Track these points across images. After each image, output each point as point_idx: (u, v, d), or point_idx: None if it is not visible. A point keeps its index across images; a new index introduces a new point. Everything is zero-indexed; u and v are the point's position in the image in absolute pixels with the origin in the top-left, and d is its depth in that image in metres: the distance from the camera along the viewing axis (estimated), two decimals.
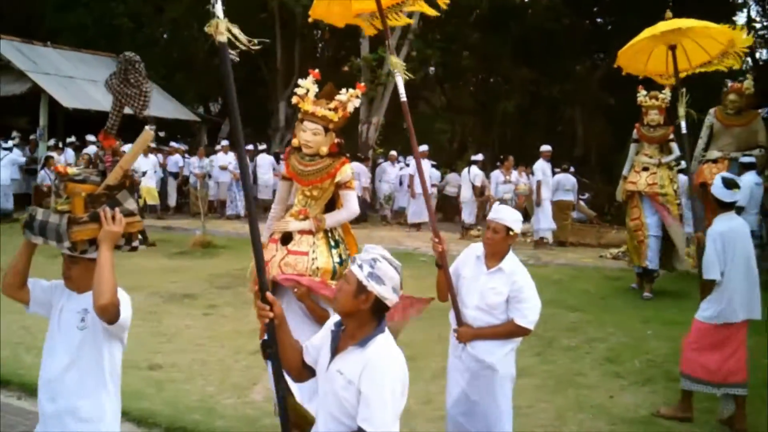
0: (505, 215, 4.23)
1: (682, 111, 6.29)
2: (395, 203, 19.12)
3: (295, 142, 4.81)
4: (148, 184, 17.40)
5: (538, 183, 14.09)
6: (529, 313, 4.19)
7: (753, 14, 27.83)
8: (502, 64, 24.39)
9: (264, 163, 19.64)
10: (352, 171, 4.90)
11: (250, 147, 20.38)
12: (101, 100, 20.32)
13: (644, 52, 6.66)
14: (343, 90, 4.93)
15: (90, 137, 18.01)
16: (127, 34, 25.83)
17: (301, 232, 4.65)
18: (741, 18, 27.61)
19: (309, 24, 25.29)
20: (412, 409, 5.29)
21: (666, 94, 8.85)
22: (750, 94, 9.91)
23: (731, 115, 9.85)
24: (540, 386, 5.72)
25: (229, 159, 19.16)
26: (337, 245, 4.75)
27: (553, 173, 14.73)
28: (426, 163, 17.60)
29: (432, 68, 26.30)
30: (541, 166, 14.19)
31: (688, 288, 9.41)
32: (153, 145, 19.22)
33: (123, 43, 25.48)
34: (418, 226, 17.22)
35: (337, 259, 4.65)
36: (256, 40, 3.50)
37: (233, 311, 8.26)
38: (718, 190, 5.11)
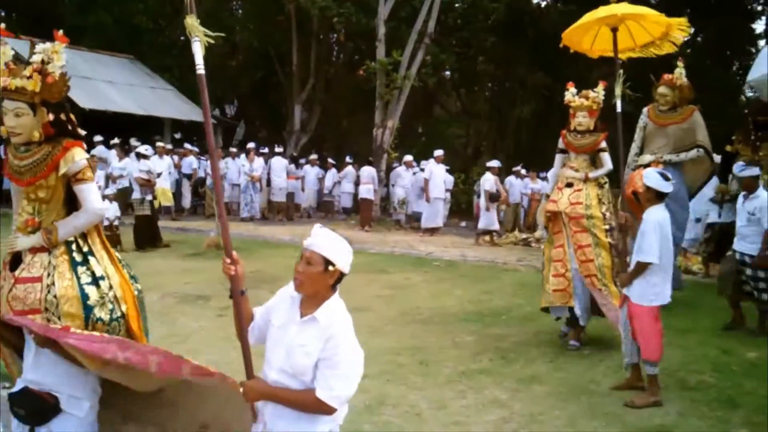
0: (325, 242, 3.11)
1: (618, 90, 6.33)
2: (409, 207, 19.12)
3: (2, 130, 3.59)
4: (163, 186, 17.49)
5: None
6: (336, 384, 2.97)
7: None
8: (518, 69, 24.39)
9: (278, 166, 19.75)
10: (91, 157, 3.85)
11: (265, 150, 20.53)
12: (118, 101, 20.48)
13: (590, 33, 6.84)
14: (43, 46, 3.78)
15: (97, 137, 18.09)
16: (147, 36, 26.03)
17: (32, 250, 3.53)
18: (759, 26, 27.47)
19: (325, 27, 25.53)
20: (424, 414, 5.27)
21: (599, 93, 7.14)
22: (684, 86, 8.62)
23: (664, 112, 8.72)
24: (552, 393, 5.69)
25: (248, 163, 19.24)
26: (85, 261, 3.61)
27: None
28: (441, 168, 17.64)
29: (448, 73, 26.30)
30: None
31: (700, 297, 9.37)
32: (168, 146, 19.32)
33: (142, 45, 25.71)
34: (431, 231, 17.21)
35: (86, 280, 3.54)
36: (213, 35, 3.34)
37: None
38: (656, 182, 5.47)
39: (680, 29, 6.76)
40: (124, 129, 19.76)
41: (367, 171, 19.24)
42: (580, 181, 7.10)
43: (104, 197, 13.74)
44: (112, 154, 17.30)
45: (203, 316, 8.12)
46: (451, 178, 19.22)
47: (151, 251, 12.79)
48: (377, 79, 20.38)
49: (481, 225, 15.89)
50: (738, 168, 7.87)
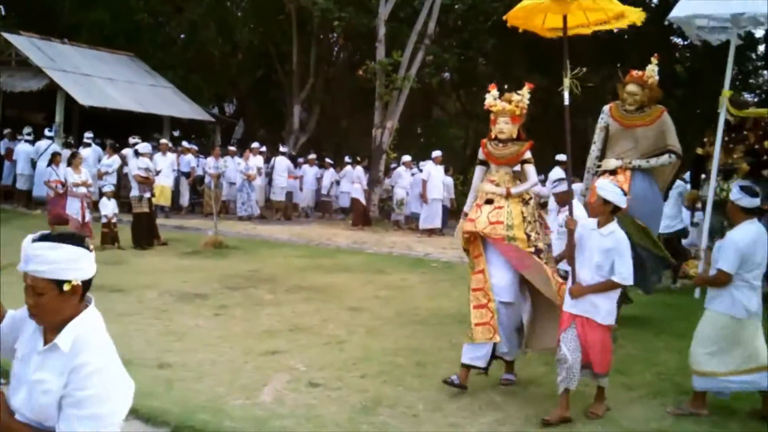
0: (43, 260, 2.42)
1: (566, 81, 5.88)
2: (408, 208, 19.15)
3: None
4: (164, 183, 17.50)
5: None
6: (79, 428, 2.39)
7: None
8: (516, 71, 24.40)
9: (281, 165, 19.86)
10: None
11: (263, 148, 20.62)
12: (118, 98, 20.46)
13: (539, 14, 6.21)
14: None
15: (88, 135, 18.05)
16: (146, 33, 25.99)
17: None
18: (759, 31, 27.44)
19: (325, 27, 25.54)
20: (421, 415, 5.28)
21: (524, 95, 6.26)
22: (654, 85, 7.70)
23: (631, 113, 7.72)
24: (549, 396, 5.69)
25: (251, 161, 19.33)
26: None
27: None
28: (439, 169, 17.68)
29: (448, 74, 26.31)
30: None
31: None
32: (169, 144, 19.34)
33: (142, 42, 25.67)
34: (429, 232, 17.22)
35: None
36: None
37: (243, 312, 8.27)
38: (614, 195, 5.25)
39: (635, 14, 6.17)
40: (123, 126, 19.76)
41: (354, 170, 19.56)
42: (501, 197, 6.14)
43: (101, 194, 13.75)
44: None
45: (200, 314, 8.11)
46: (450, 182, 19.18)
47: (149, 249, 12.78)
48: (377, 80, 20.40)
49: None
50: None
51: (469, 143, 30.80)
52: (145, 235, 13.08)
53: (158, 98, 22.41)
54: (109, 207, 12.92)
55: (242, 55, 29.49)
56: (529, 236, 5.99)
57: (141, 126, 20.88)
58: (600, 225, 5.30)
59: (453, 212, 18.09)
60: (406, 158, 19.67)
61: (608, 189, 5.27)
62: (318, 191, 22.01)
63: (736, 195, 5.39)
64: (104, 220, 12.84)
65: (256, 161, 19.49)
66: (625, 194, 5.36)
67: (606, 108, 8.00)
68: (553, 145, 16.16)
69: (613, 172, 7.65)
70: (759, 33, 27.18)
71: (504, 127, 6.23)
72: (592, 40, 24.31)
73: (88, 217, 12.65)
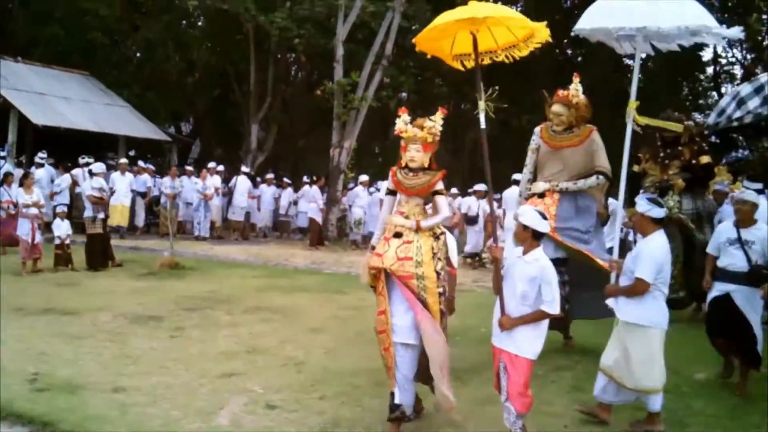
0: None
1: (481, 104, 5.64)
2: (365, 228, 19.18)
3: None
4: (123, 203, 17.28)
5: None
6: None
7: (719, 50, 28.46)
8: (474, 92, 24.67)
9: (242, 186, 19.79)
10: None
11: (221, 168, 20.52)
12: (72, 117, 20.17)
13: (448, 36, 5.92)
14: None
15: (41, 155, 17.71)
16: (101, 51, 25.72)
17: None
18: (707, 54, 28.24)
19: (283, 47, 25.53)
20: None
21: (436, 122, 5.88)
22: (581, 104, 7.47)
23: (559, 133, 7.52)
24: None
25: (208, 181, 19.25)
26: None
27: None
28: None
29: (405, 95, 26.51)
30: (513, 194, 14.33)
31: None
32: (126, 162, 19.13)
33: (96, 60, 25.38)
34: None
35: None
36: None
37: (200, 334, 8.18)
38: (533, 220, 4.98)
39: (542, 33, 5.90)
40: (77, 146, 19.47)
41: (309, 190, 19.66)
42: (411, 230, 5.62)
43: (55, 215, 13.51)
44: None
45: (155, 337, 7.99)
46: None
47: (103, 270, 12.57)
48: (335, 100, 20.46)
49: (468, 249, 16.22)
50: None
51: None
52: (99, 256, 12.87)
53: (114, 117, 22.15)
54: (62, 228, 12.70)
55: (199, 74, 29.35)
56: (438, 274, 5.53)
57: (96, 145, 20.63)
58: (524, 252, 5.05)
59: None
60: (364, 178, 19.73)
61: (527, 214, 5.07)
62: (276, 211, 21.92)
63: (645, 207, 5.47)
64: (57, 241, 12.61)
65: (214, 181, 19.38)
66: (545, 218, 5.10)
67: (537, 129, 7.81)
68: (512, 164, 16.41)
69: (541, 196, 7.49)
70: (707, 55, 28.01)
71: (415, 155, 5.81)
72: (548, 62, 24.87)
73: (38, 238, 12.41)
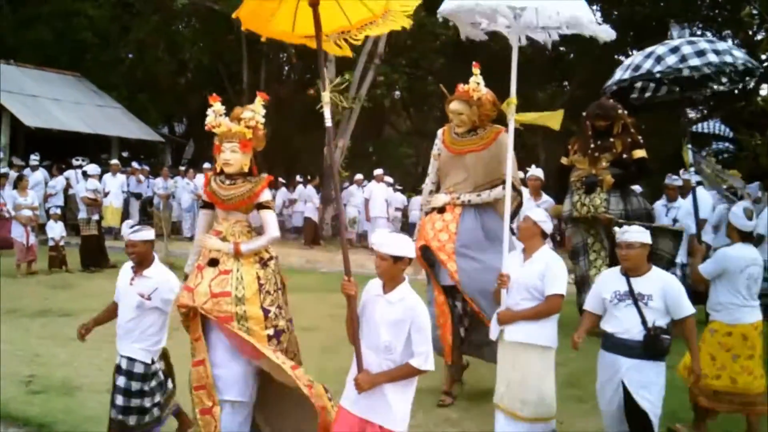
0: None
1: (326, 95, 4.43)
2: (360, 226, 19.20)
3: None
4: (114, 204, 17.26)
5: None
6: None
7: None
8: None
9: None
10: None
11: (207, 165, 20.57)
12: (65, 119, 20.14)
13: (287, 10, 4.62)
14: None
15: (34, 157, 17.65)
16: (92, 52, 25.63)
17: None
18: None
19: (275, 47, 25.42)
20: None
21: (255, 112, 4.66)
22: (485, 100, 6.21)
23: (461, 136, 6.32)
24: None
25: (192, 182, 19.29)
26: None
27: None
28: (381, 187, 17.95)
29: (398, 93, 26.51)
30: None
31: None
32: (118, 163, 19.11)
33: (87, 61, 25.30)
34: None
35: None
36: None
37: None
38: (395, 248, 3.86)
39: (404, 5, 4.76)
40: (70, 148, 19.43)
41: (307, 190, 19.81)
42: (229, 256, 4.46)
43: (49, 217, 13.49)
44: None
45: None
46: (401, 198, 19.43)
47: (98, 272, 12.56)
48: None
49: None
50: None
51: (420, 161, 31.04)
52: (94, 257, 12.86)
53: (106, 118, 22.12)
54: (56, 230, 12.68)
55: (191, 74, 29.26)
56: (267, 312, 4.39)
57: (89, 147, 20.59)
58: (386, 288, 3.92)
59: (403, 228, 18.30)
60: (358, 177, 19.76)
61: (386, 241, 3.90)
62: None
63: (540, 217, 4.96)
64: (51, 243, 12.60)
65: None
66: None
67: (439, 132, 6.63)
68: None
69: (441, 210, 6.21)
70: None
71: (230, 157, 4.53)
72: (538, 58, 24.88)
73: (33, 240, 12.39)
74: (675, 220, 8.22)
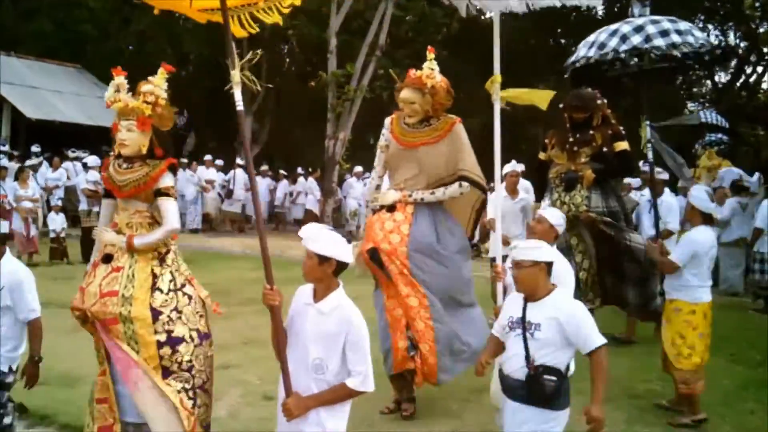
0: None
1: (235, 74, 3.91)
2: (360, 219, 19.22)
3: None
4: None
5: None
6: None
7: (712, 39, 28.47)
8: (468, 83, 24.69)
9: (241, 178, 19.82)
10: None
11: (219, 161, 20.56)
12: (66, 111, 20.14)
13: None
14: None
15: (35, 148, 17.65)
16: (92, 44, 25.61)
17: None
18: None
19: (276, 39, 25.38)
20: (376, 424, 5.28)
21: (156, 85, 4.32)
22: (438, 88, 5.67)
23: (413, 127, 5.71)
24: None
25: (209, 174, 19.38)
26: None
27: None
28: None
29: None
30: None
31: None
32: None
33: (87, 53, 25.27)
34: None
35: None
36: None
37: None
38: (334, 251, 3.35)
39: None
40: (71, 139, 19.43)
41: (308, 182, 19.95)
42: (122, 251, 3.95)
43: (50, 209, 13.50)
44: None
45: None
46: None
47: None
48: (329, 91, 20.43)
49: None
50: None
51: None
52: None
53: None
54: (57, 222, 12.69)
55: (192, 66, 29.23)
56: (157, 314, 3.81)
57: (90, 139, 20.59)
58: (317, 295, 3.43)
59: None
60: (358, 169, 19.76)
61: (314, 236, 3.38)
62: (271, 203, 21.93)
63: (558, 221, 4.74)
64: (53, 235, 12.61)
65: (209, 173, 19.41)
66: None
67: (387, 120, 5.99)
68: (504, 159, 16.45)
69: (391, 209, 5.60)
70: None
71: (126, 136, 4.03)
72: (537, 48, 24.83)
73: (33, 232, 12.40)
74: (658, 217, 7.74)
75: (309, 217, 19.09)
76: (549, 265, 3.74)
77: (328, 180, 20.70)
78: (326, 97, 20.70)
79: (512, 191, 8.80)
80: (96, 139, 21.43)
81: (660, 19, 7.04)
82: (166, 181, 4.02)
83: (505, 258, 4.52)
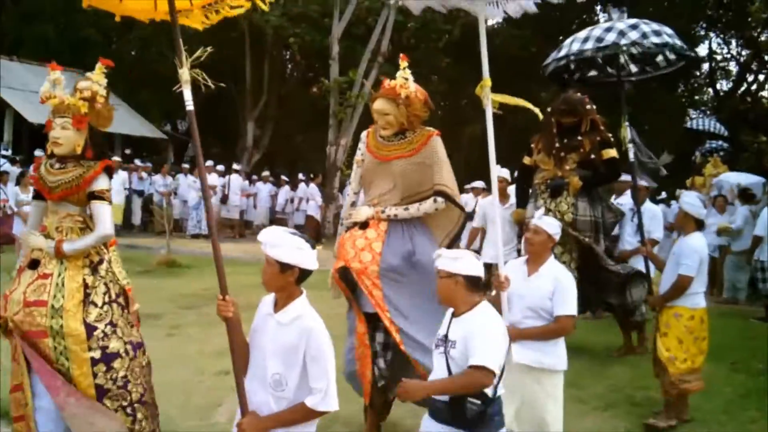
0: None
1: (184, 72, 4.02)
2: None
3: None
4: (115, 201, 17.22)
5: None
6: None
7: (714, 46, 28.50)
8: (470, 89, 24.74)
9: (236, 184, 19.81)
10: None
11: (221, 167, 20.54)
12: None
13: None
14: None
15: (38, 153, 17.66)
16: (94, 49, 25.64)
17: None
18: (702, 49, 28.27)
19: (278, 44, 25.47)
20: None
21: (94, 80, 4.31)
22: (414, 99, 5.25)
23: (388, 140, 5.29)
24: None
25: (210, 179, 19.34)
26: None
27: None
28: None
29: None
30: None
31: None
32: (120, 160, 19.15)
33: (89, 58, 25.32)
34: None
35: None
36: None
37: (198, 331, 8.19)
38: (299, 258, 3.22)
39: None
40: None
41: (309, 188, 19.96)
42: (51, 257, 3.75)
43: None
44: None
45: (153, 335, 7.94)
46: None
47: None
48: (331, 97, 20.47)
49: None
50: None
51: None
52: None
53: None
54: None
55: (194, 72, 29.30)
56: (91, 329, 3.62)
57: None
58: (278, 305, 3.22)
59: None
60: None
61: (276, 240, 3.15)
62: (272, 208, 21.93)
63: (555, 230, 4.54)
64: None
65: (210, 179, 19.41)
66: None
67: (363, 134, 5.60)
68: (505, 165, 16.47)
69: (364, 225, 5.18)
70: (702, 51, 28.04)
71: (60, 134, 3.88)
72: (542, 59, 24.84)
73: None
74: (641, 225, 7.45)
75: (310, 223, 19.11)
76: (469, 279, 3.38)
77: (329, 186, 20.75)
78: (328, 103, 20.76)
79: (502, 197, 8.36)
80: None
81: (637, 22, 7.05)
82: (101, 183, 3.83)
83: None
